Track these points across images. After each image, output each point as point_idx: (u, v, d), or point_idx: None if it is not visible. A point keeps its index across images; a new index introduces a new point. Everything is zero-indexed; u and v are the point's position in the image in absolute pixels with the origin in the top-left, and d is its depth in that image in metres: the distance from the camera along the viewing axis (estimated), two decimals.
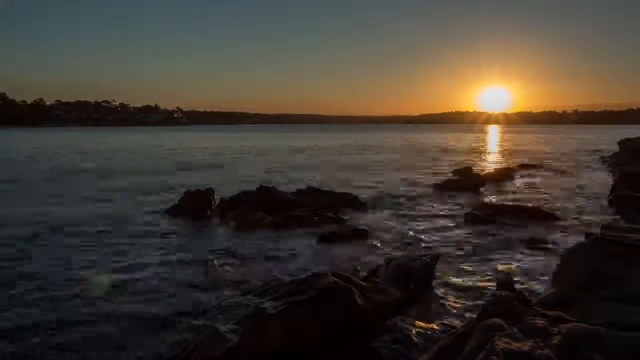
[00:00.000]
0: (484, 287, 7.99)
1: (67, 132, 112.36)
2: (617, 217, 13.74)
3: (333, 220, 13.40)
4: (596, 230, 8.81)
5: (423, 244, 11.08)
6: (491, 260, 9.78)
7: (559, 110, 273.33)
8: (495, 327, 3.82)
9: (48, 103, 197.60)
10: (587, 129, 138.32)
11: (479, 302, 7.05)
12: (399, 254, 9.57)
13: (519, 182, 22.96)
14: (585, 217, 14.12)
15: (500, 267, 9.19)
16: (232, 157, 40.83)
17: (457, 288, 8.09)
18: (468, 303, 7.37)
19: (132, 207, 15.96)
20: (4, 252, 10.40)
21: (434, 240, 11.45)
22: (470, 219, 13.60)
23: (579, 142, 65.64)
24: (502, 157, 40.91)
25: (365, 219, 13.84)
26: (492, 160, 37.53)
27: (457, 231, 12.44)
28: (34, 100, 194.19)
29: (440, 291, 7.86)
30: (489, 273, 8.85)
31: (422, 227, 12.91)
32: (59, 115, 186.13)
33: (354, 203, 15.98)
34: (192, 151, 47.96)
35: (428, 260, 8.14)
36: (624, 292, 4.54)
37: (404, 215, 14.57)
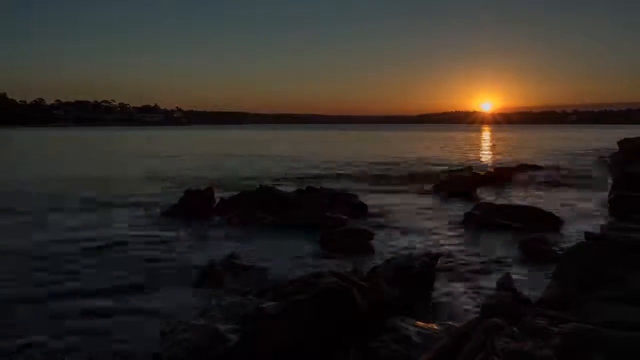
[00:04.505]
0: (484, 287, 7.99)
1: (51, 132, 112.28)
2: (617, 217, 13.73)
3: (333, 220, 13.40)
4: (596, 230, 8.83)
5: (423, 244, 11.08)
6: (491, 260, 9.78)
7: (559, 110, 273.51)
8: (495, 327, 3.82)
9: (48, 103, 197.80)
10: (587, 129, 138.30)
11: (479, 302, 7.05)
12: (398, 254, 9.57)
13: (518, 182, 22.95)
14: (585, 218, 14.12)
15: (500, 268, 9.19)
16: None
17: (457, 288, 8.09)
18: (468, 303, 7.37)
19: (131, 207, 15.95)
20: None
21: (434, 240, 11.45)
22: (470, 219, 13.60)
23: (578, 142, 65.64)
24: (502, 157, 40.90)
25: (366, 219, 13.84)
26: (491, 161, 37.53)
27: (457, 231, 12.45)
28: (34, 100, 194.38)
29: (440, 291, 7.87)
30: (488, 273, 8.85)
31: (421, 227, 12.92)
32: (59, 115, 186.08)
33: (354, 203, 15.97)
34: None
35: (428, 260, 8.13)
36: (624, 292, 4.54)
37: (403, 215, 14.57)
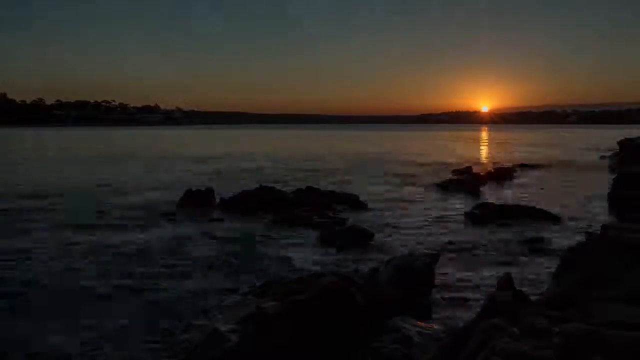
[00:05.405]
0: (484, 287, 7.98)
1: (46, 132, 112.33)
2: (617, 217, 13.72)
3: (333, 220, 13.40)
4: (596, 230, 8.83)
5: (423, 244, 11.08)
6: (491, 260, 9.78)
7: (559, 110, 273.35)
8: (495, 327, 3.81)
9: (48, 103, 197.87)
10: (587, 129, 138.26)
11: (479, 302, 7.04)
12: (399, 254, 9.57)
13: (518, 182, 22.97)
14: (585, 217, 14.12)
15: (500, 267, 9.18)
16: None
17: (457, 288, 8.09)
18: (468, 303, 7.37)
19: (131, 206, 15.93)
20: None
21: (434, 240, 11.45)
22: (471, 219, 13.61)
23: (578, 141, 65.64)
24: (502, 156, 40.90)
25: (366, 219, 13.83)
26: (492, 160, 37.52)
27: (457, 231, 12.44)
28: (34, 100, 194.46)
29: (440, 291, 7.86)
30: (489, 273, 8.85)
31: (422, 227, 12.91)
32: (59, 115, 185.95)
33: (354, 203, 15.98)
34: None
35: (428, 260, 8.13)
36: (624, 292, 4.54)
37: (404, 215, 14.57)
